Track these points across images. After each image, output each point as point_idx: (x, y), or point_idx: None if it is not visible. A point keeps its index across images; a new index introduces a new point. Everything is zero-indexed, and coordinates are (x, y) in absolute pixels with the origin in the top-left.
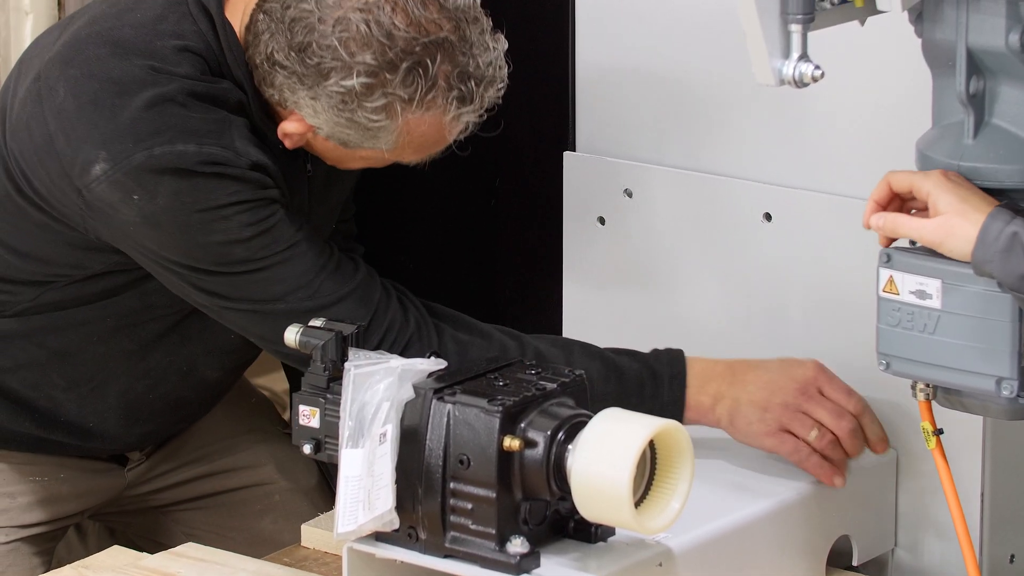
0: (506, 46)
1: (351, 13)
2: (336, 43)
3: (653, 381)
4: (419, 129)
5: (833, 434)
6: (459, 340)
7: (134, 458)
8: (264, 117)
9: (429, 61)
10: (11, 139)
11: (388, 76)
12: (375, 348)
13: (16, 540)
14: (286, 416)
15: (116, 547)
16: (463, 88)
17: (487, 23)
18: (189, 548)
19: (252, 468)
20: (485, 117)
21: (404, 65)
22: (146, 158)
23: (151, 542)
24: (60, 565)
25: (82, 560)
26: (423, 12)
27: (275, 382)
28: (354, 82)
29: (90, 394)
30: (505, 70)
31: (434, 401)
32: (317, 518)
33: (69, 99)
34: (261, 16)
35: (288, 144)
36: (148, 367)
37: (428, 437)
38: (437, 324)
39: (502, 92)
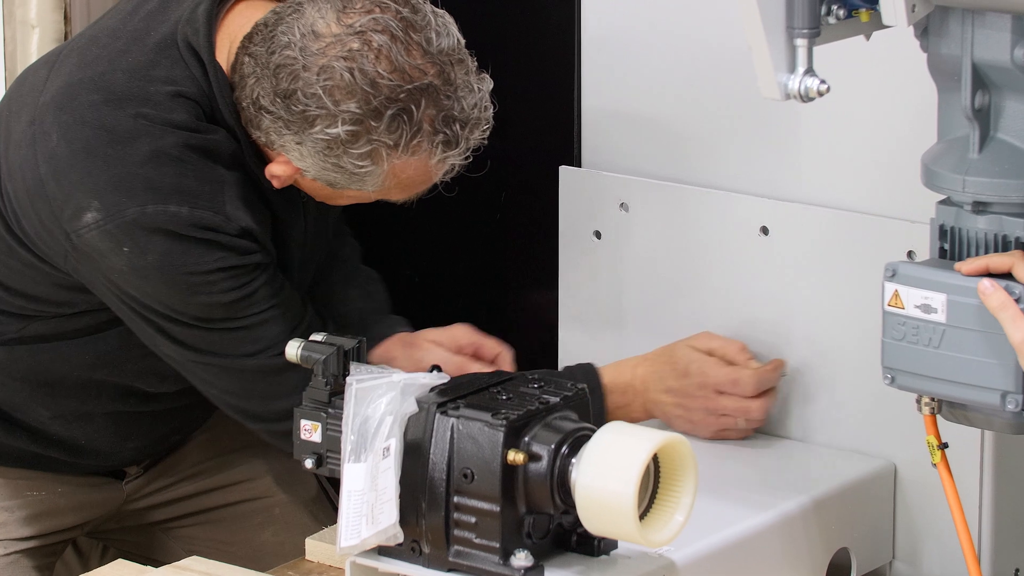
0: (491, 86)
1: (335, 61)
2: (321, 91)
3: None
4: (405, 172)
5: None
6: None
7: (131, 472)
8: (256, 160)
9: (414, 107)
10: (6, 180)
11: (373, 124)
12: None
13: (14, 553)
14: None
15: (120, 561)
16: (448, 132)
17: (471, 63)
18: (193, 562)
19: (251, 482)
20: (471, 158)
21: (389, 112)
22: (139, 215)
23: (151, 561)
24: None
25: (86, 574)
26: (407, 59)
27: None
28: (339, 130)
29: (76, 420)
30: (490, 111)
31: (438, 415)
32: (321, 532)
33: (62, 144)
34: (246, 59)
35: (276, 184)
36: (132, 391)
37: (432, 451)
38: None
39: (487, 133)
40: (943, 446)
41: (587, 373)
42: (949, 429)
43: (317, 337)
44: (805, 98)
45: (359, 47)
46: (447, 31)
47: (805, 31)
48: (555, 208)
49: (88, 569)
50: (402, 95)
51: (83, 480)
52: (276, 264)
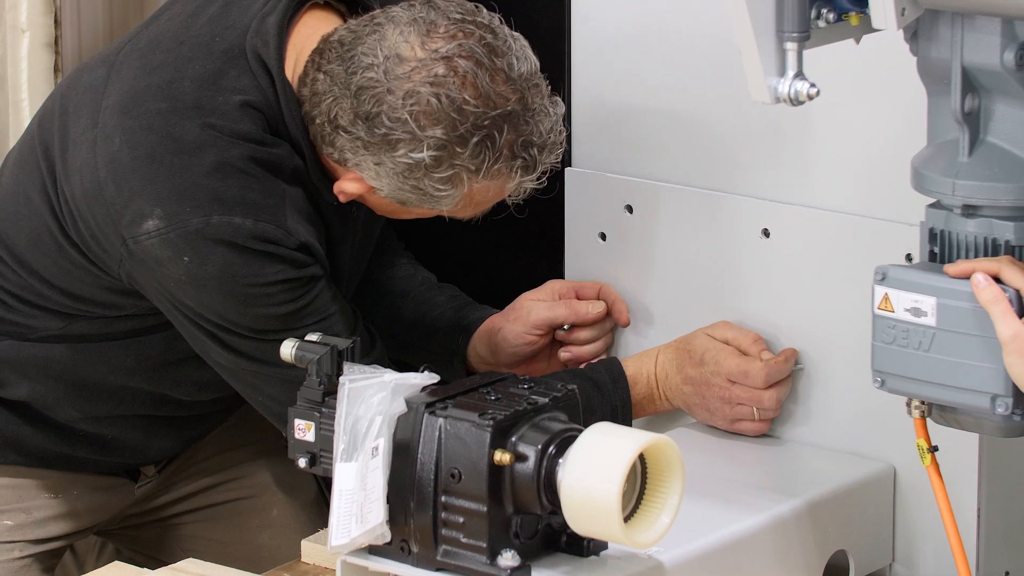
0: (563, 110)
1: (421, 87)
2: (407, 116)
3: (596, 388)
4: (481, 195)
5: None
6: None
7: (148, 473)
8: (320, 175)
9: (497, 133)
10: (64, 182)
11: (458, 150)
12: None
13: (29, 556)
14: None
15: (117, 563)
16: (527, 156)
17: (545, 88)
18: (189, 564)
19: (250, 480)
20: (545, 181)
21: (474, 139)
22: (203, 225)
23: (150, 558)
24: None
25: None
26: (491, 85)
27: None
28: (424, 155)
29: (106, 421)
30: (563, 134)
31: (426, 415)
32: (317, 534)
33: (124, 150)
34: (321, 76)
35: (342, 199)
36: (167, 399)
37: (420, 451)
38: None
39: (560, 156)
40: (933, 449)
41: (610, 366)
42: (943, 432)
43: (312, 337)
44: (795, 102)
45: (445, 73)
46: (525, 55)
47: (795, 35)
48: (559, 210)
49: (84, 569)
50: (487, 122)
51: (99, 482)
52: (330, 276)
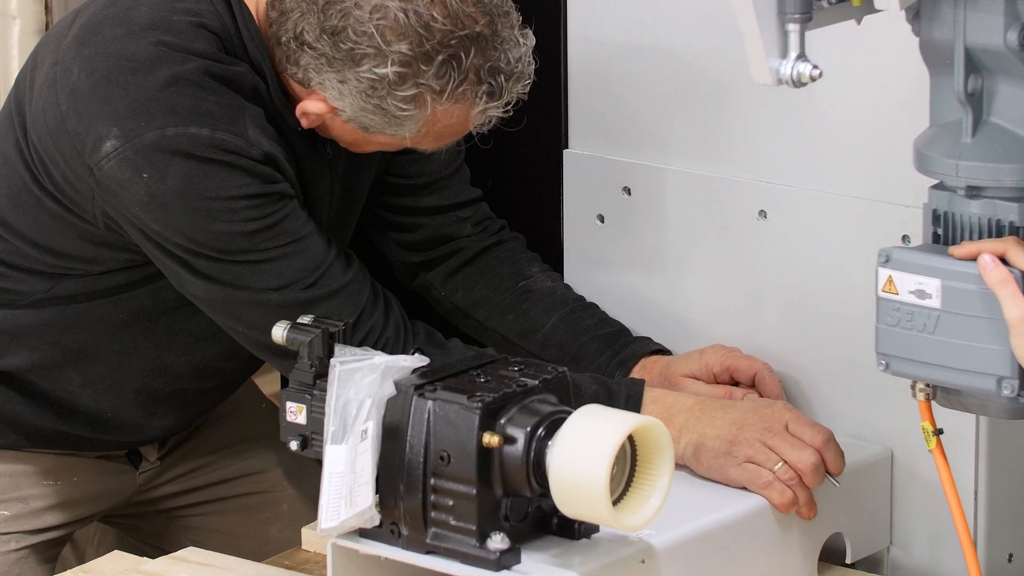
0: (534, 42)
1: (389, 1)
2: (373, 30)
3: (608, 398)
4: (445, 120)
5: (797, 469)
6: (428, 354)
7: (149, 457)
8: (282, 98)
9: (463, 54)
10: (31, 128)
11: (423, 67)
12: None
13: (26, 547)
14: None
15: (116, 552)
16: (493, 83)
17: (517, 18)
18: (190, 552)
19: (261, 474)
20: (511, 113)
21: (439, 58)
22: (158, 137)
23: (157, 549)
24: (65, 568)
25: (83, 565)
26: (460, 5)
27: (264, 384)
28: (388, 71)
29: (106, 391)
30: (532, 66)
31: (415, 397)
32: (316, 521)
33: (82, 77)
34: None
35: (305, 123)
36: (162, 365)
37: (409, 433)
38: (415, 334)
39: (528, 88)
40: (938, 432)
41: (631, 383)
42: (943, 415)
43: (304, 319)
44: (797, 83)
45: None
46: None
47: (797, 16)
48: (557, 193)
49: (83, 560)
50: (453, 41)
51: (99, 467)
52: (302, 203)
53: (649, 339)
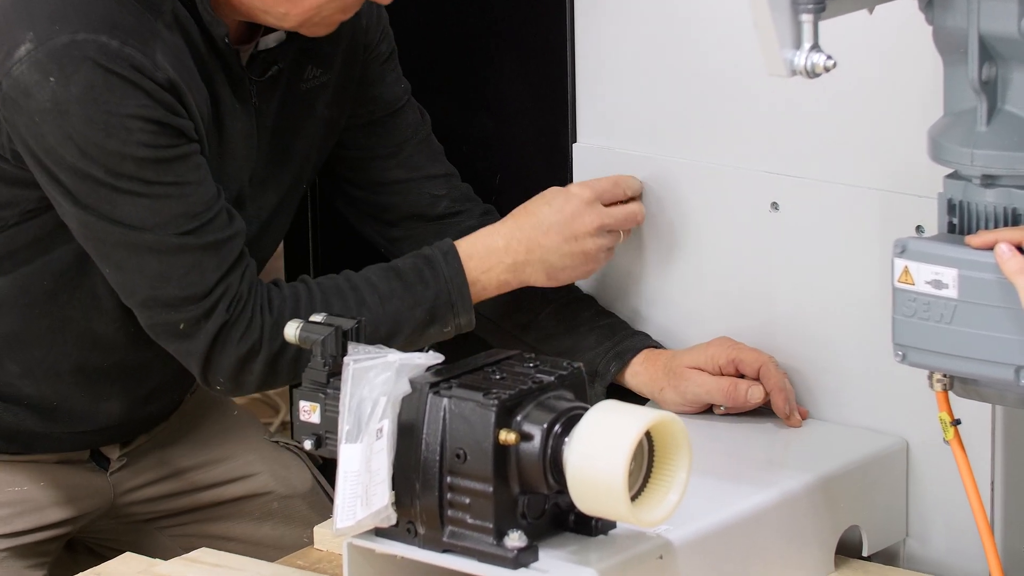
0: None
1: None
2: None
3: (428, 264)
4: None
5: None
6: (283, 297)
7: (111, 455)
8: (211, 14)
9: None
10: None
11: None
12: (213, 304)
13: (3, 551)
14: (276, 419)
15: (129, 554)
16: None
17: None
18: (203, 553)
19: (248, 478)
20: None
21: None
22: (69, 41)
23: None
24: None
25: (94, 568)
26: None
27: None
28: None
29: (45, 376)
30: None
31: (430, 395)
32: (328, 520)
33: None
34: None
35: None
36: (95, 335)
37: (425, 432)
38: (270, 290)
39: None
40: (956, 422)
41: (441, 243)
42: (959, 405)
43: (316, 318)
44: (812, 74)
45: None
46: None
47: (810, 6)
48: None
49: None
50: None
51: (63, 470)
52: (210, 148)
53: (647, 335)
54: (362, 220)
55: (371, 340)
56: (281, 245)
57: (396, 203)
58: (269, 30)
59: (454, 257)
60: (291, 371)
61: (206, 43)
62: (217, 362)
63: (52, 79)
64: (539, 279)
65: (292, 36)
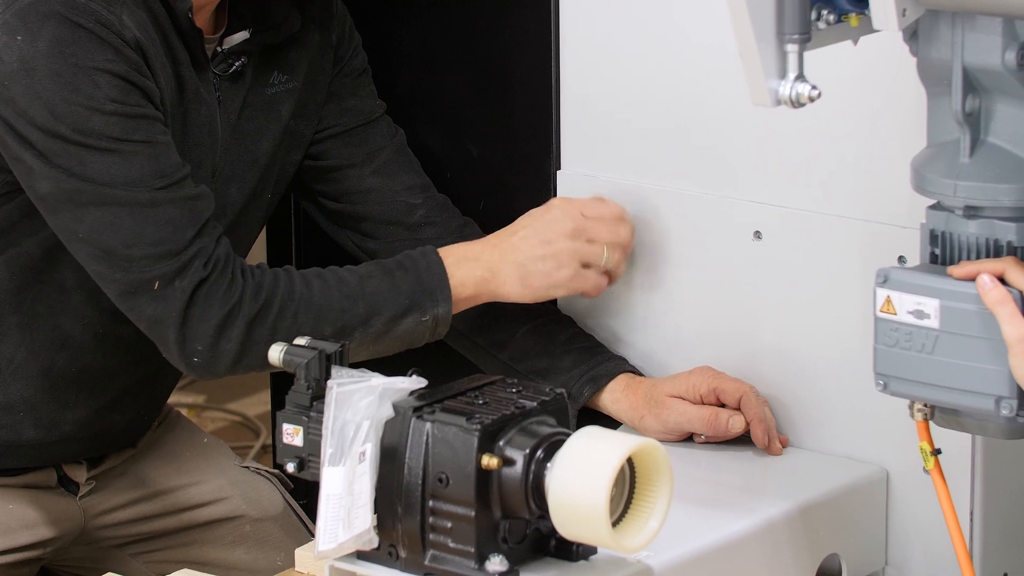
0: None
1: None
2: None
3: (408, 258)
4: None
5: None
6: (263, 270)
7: (78, 479)
8: None
9: None
10: None
11: None
12: (188, 261)
13: None
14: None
15: (111, 574)
16: None
17: None
18: (186, 575)
19: (220, 501)
20: None
21: None
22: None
23: None
24: None
25: None
26: None
27: (247, 407)
28: None
29: (12, 376)
30: None
31: (413, 419)
32: (310, 543)
33: None
34: None
35: None
36: (63, 334)
37: (407, 455)
38: (249, 266)
39: None
40: (936, 452)
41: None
42: (939, 435)
43: (300, 341)
44: (796, 104)
45: None
46: None
47: (796, 36)
48: None
49: None
50: None
51: (30, 493)
52: (173, 129)
53: (624, 359)
54: (341, 234)
55: (350, 317)
56: (265, 256)
57: (372, 212)
58: (233, 27)
59: (432, 252)
60: (267, 341)
61: (172, 24)
62: (194, 326)
63: (19, 38)
64: (513, 282)
65: (255, 34)
